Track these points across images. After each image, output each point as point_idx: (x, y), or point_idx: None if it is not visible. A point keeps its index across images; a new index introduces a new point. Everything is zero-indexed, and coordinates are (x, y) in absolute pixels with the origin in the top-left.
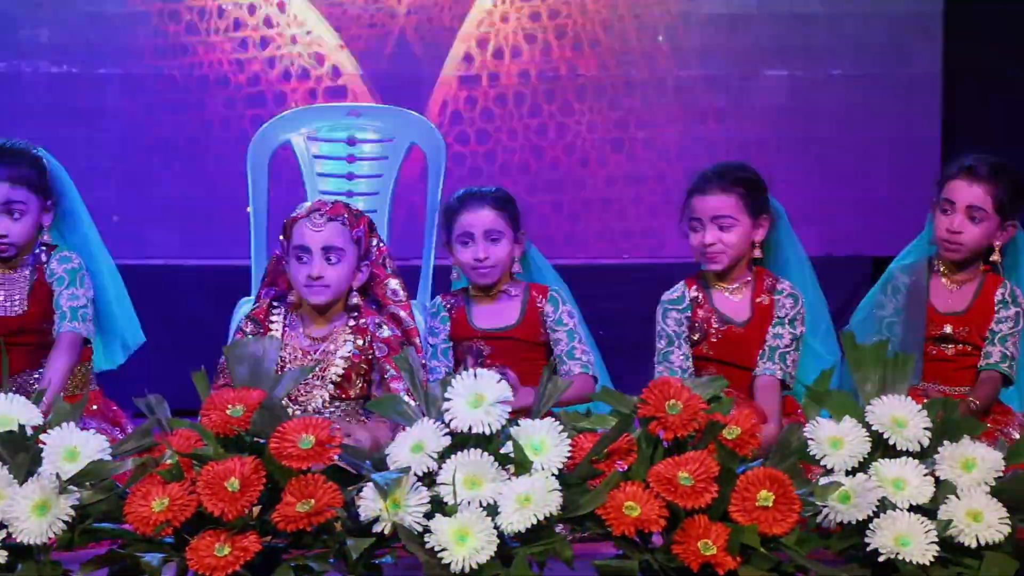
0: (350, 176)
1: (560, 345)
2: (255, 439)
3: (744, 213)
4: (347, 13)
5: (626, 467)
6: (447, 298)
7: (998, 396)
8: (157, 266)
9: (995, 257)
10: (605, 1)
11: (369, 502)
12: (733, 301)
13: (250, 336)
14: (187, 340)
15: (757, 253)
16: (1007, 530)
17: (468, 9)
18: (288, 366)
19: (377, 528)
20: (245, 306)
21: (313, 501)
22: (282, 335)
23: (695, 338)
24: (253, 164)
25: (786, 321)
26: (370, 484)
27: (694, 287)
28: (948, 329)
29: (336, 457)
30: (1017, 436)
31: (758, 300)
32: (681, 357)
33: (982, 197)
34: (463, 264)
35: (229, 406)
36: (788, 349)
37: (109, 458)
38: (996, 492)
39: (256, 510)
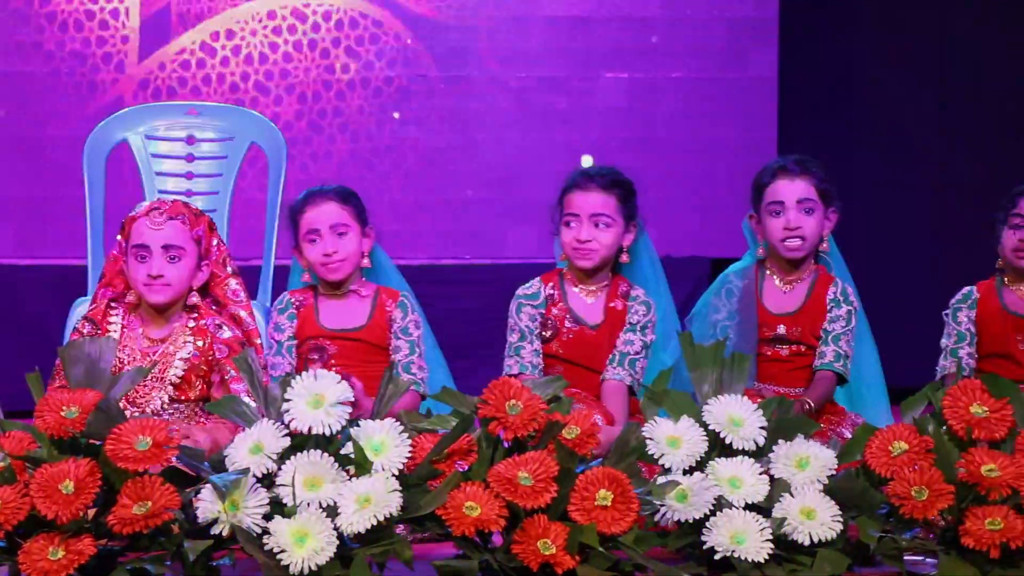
0: (189, 175)
1: (400, 354)
2: (90, 441)
3: (620, 215)
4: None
5: (466, 467)
6: (296, 295)
7: (832, 395)
8: None
9: (824, 247)
10: (448, 1)
11: (207, 504)
12: (587, 303)
13: (87, 337)
14: (21, 341)
15: (624, 258)
16: (839, 527)
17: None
18: (126, 367)
19: (215, 530)
20: (81, 306)
21: (150, 503)
22: (120, 336)
23: (547, 335)
24: (89, 162)
25: (638, 328)
26: (208, 486)
27: (550, 284)
28: (781, 330)
29: (174, 459)
30: (849, 435)
31: (611, 304)
32: (531, 352)
33: (807, 189)
34: (312, 263)
35: (64, 407)
36: (638, 356)
37: None
38: (829, 490)
39: (91, 513)
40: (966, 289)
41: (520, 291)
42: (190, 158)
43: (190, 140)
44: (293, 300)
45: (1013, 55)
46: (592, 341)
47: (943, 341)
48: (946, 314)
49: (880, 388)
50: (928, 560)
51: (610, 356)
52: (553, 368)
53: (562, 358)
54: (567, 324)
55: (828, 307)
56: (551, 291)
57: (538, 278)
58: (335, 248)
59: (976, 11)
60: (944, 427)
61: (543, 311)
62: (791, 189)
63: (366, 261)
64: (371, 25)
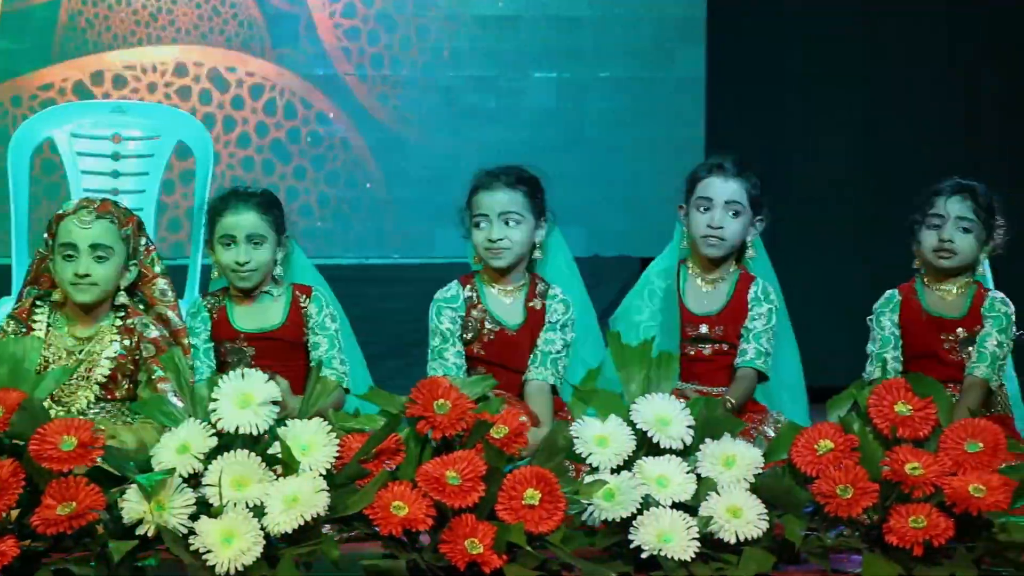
0: (115, 174)
1: (319, 350)
2: (14, 441)
3: (529, 211)
4: None
5: (394, 467)
6: (208, 298)
7: (754, 393)
8: None
9: (750, 253)
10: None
11: (132, 504)
12: (506, 303)
13: (11, 336)
14: None
15: (538, 255)
16: (765, 526)
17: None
18: (52, 366)
19: (140, 530)
20: (6, 305)
21: (74, 504)
22: (45, 334)
23: (468, 337)
24: (13, 161)
25: (558, 327)
26: (134, 486)
27: (468, 286)
28: (704, 329)
29: (99, 459)
30: (773, 433)
31: (530, 304)
32: (454, 355)
33: (738, 191)
34: (223, 266)
35: None
36: (559, 355)
37: None
38: (755, 489)
39: (14, 514)
40: (888, 292)
41: (438, 295)
42: (116, 156)
43: (116, 138)
44: (205, 303)
45: (938, 53)
46: (513, 341)
47: (869, 346)
48: (870, 319)
49: (800, 390)
50: (853, 558)
51: (531, 356)
52: (475, 370)
53: (483, 359)
54: (487, 325)
55: (749, 306)
56: (469, 293)
57: (455, 281)
58: (248, 258)
59: (902, 10)
60: (869, 426)
61: (463, 314)
62: (722, 188)
63: (278, 270)
64: (302, 24)
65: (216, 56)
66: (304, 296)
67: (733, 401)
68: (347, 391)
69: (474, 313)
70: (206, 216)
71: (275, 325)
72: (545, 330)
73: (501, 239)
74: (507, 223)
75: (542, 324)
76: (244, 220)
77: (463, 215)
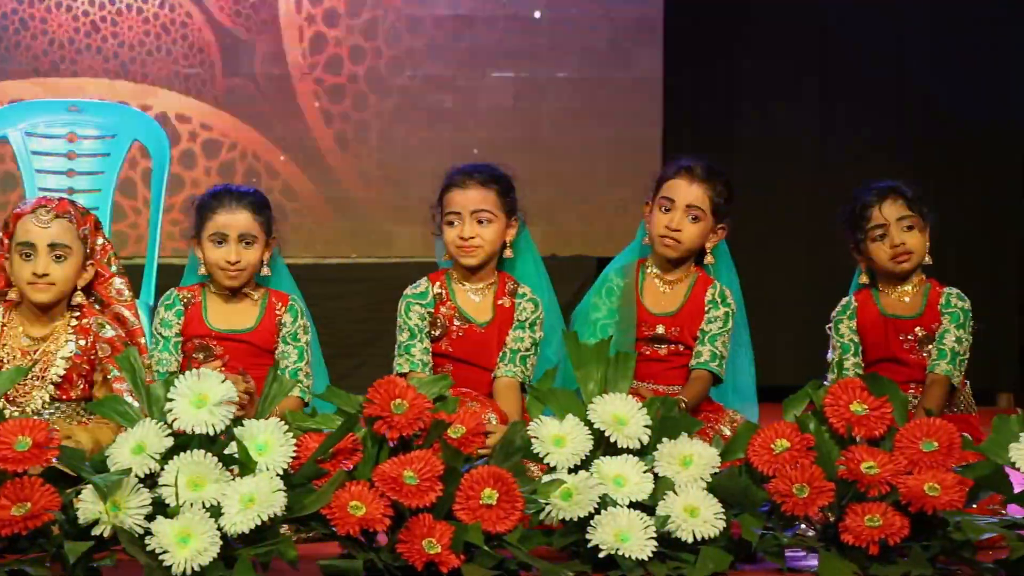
0: (71, 173)
1: (288, 360)
2: None
3: (501, 210)
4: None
5: (352, 467)
6: (184, 292)
7: (708, 394)
8: None
9: (708, 259)
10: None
11: (88, 505)
12: (475, 301)
13: None
14: None
15: (508, 253)
16: (722, 525)
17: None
18: (7, 366)
19: (96, 531)
20: None
21: (29, 504)
22: (0, 334)
23: (436, 334)
24: None
25: (526, 325)
26: (90, 486)
27: (438, 284)
28: (660, 329)
29: (54, 459)
30: (729, 433)
31: (499, 302)
32: (421, 351)
33: (701, 197)
34: (212, 263)
35: None
36: (528, 352)
37: None
38: (712, 488)
39: None
40: (844, 300)
41: (408, 290)
42: (71, 155)
43: (71, 137)
44: (181, 297)
45: (895, 57)
46: (481, 339)
47: (829, 355)
48: (828, 328)
49: (751, 394)
50: (809, 556)
51: (500, 354)
52: (443, 367)
53: (452, 356)
54: (456, 323)
55: (706, 308)
56: (439, 290)
57: (425, 278)
58: (239, 258)
59: (859, 12)
60: (825, 425)
61: (432, 310)
62: (686, 192)
63: (265, 270)
64: (259, 23)
65: None
66: (280, 304)
67: (687, 402)
68: (306, 404)
69: (443, 310)
70: (195, 212)
71: (248, 328)
72: (514, 328)
73: (472, 237)
74: (479, 221)
75: (511, 322)
76: (238, 219)
77: (433, 212)
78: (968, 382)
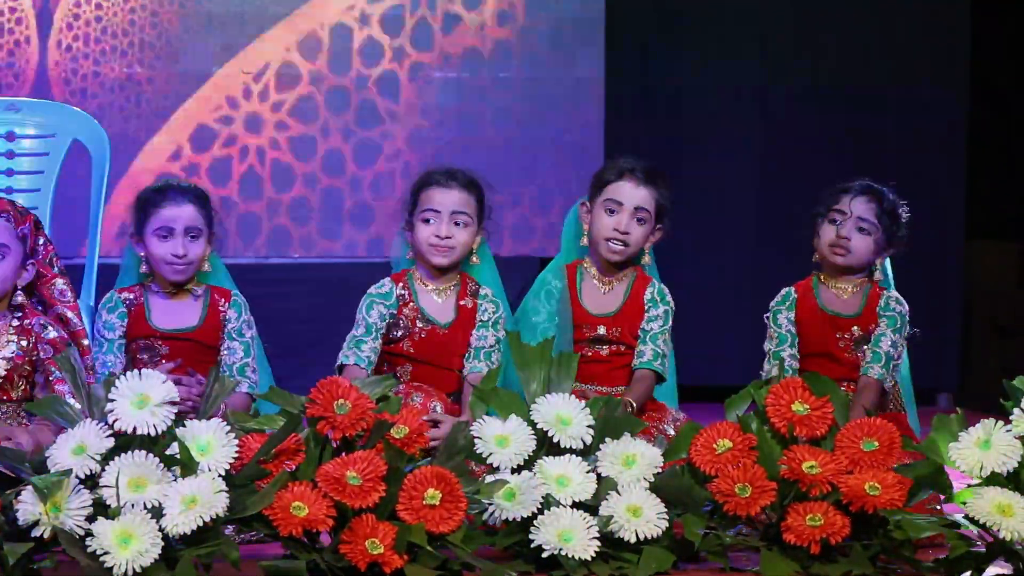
0: (9, 172)
1: (234, 356)
2: None
3: (476, 216)
4: None
5: (294, 467)
6: (124, 293)
7: (652, 393)
8: None
9: (646, 259)
10: None
11: (28, 506)
12: (438, 302)
13: None
14: None
15: (475, 259)
16: (665, 524)
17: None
18: None
19: (36, 532)
20: None
21: None
22: None
23: (397, 335)
24: None
25: (489, 324)
26: (29, 487)
27: (400, 284)
28: (601, 330)
29: None
30: (673, 432)
31: (462, 303)
32: (371, 349)
33: (647, 199)
34: (157, 258)
35: None
36: (492, 348)
37: None
38: (655, 488)
39: None
40: (784, 290)
41: (372, 289)
42: (10, 155)
43: (10, 136)
44: (123, 298)
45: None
46: (443, 340)
47: (766, 344)
48: (766, 317)
49: (671, 393)
50: (751, 556)
51: (467, 354)
52: (403, 366)
53: (413, 357)
54: (418, 324)
55: (646, 307)
56: (402, 291)
57: (388, 278)
58: (185, 251)
59: (799, 10)
60: (767, 425)
61: (394, 311)
62: (633, 194)
63: (207, 265)
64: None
65: None
66: (223, 300)
67: (634, 404)
68: (254, 399)
69: (406, 311)
70: (137, 207)
71: (192, 327)
72: (477, 328)
73: (449, 237)
74: (456, 223)
75: (473, 322)
76: (183, 212)
77: (404, 208)
78: (897, 381)
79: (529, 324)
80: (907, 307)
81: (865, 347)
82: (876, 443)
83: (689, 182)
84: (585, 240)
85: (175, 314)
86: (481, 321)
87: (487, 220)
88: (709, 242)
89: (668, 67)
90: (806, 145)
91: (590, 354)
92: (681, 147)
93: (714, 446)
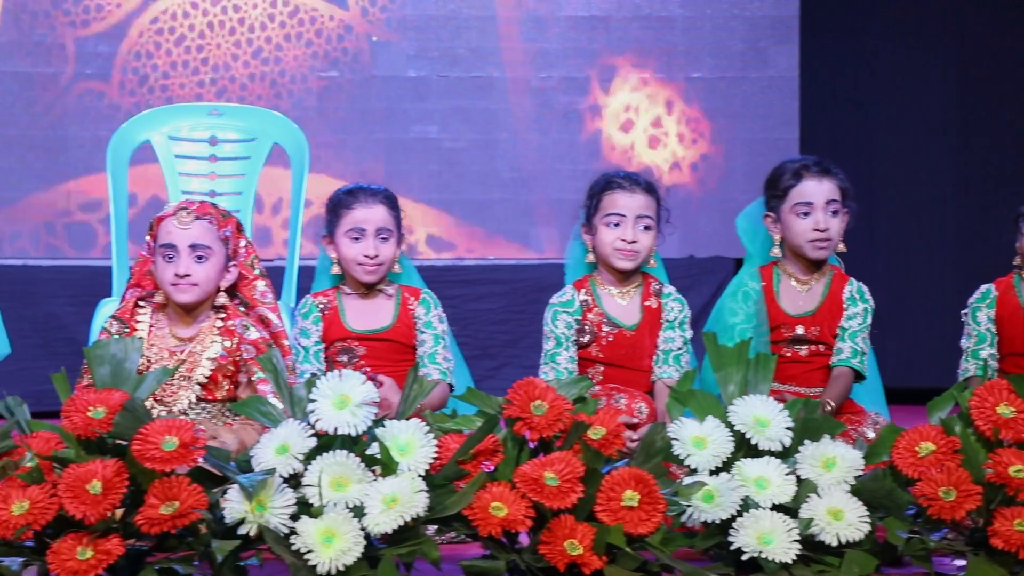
0: (212, 176)
1: (424, 347)
2: (117, 441)
3: (657, 220)
4: None
5: (492, 468)
6: (318, 297)
7: (850, 392)
8: (15, 267)
9: (842, 247)
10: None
11: (234, 504)
12: (622, 305)
13: (114, 336)
14: (46, 341)
15: (652, 263)
16: (867, 528)
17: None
18: (153, 366)
19: (243, 530)
20: (107, 307)
21: (177, 503)
22: (148, 335)
23: (584, 341)
24: (113, 164)
25: (675, 324)
26: (235, 486)
27: (583, 290)
28: (800, 330)
29: (201, 459)
30: (872, 435)
31: (647, 303)
32: (567, 359)
33: (834, 190)
34: (349, 259)
35: (90, 408)
36: (680, 351)
37: None
38: (856, 491)
39: (119, 513)
40: (984, 287)
41: (554, 299)
42: (213, 159)
43: (213, 141)
44: (317, 303)
45: None
46: (631, 341)
47: (963, 342)
48: (964, 314)
49: (878, 391)
50: (956, 561)
51: (655, 356)
52: (594, 369)
53: (604, 361)
54: (604, 328)
55: (844, 305)
56: (585, 297)
57: (570, 286)
58: (377, 252)
59: (995, 4)
60: (971, 428)
61: (579, 317)
62: (819, 190)
63: (397, 267)
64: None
65: None
66: (413, 298)
67: (832, 404)
68: (451, 387)
69: (591, 316)
70: (329, 210)
71: (386, 326)
72: (664, 329)
73: (635, 241)
74: (641, 227)
75: (659, 322)
76: (375, 213)
77: (584, 211)
78: None
79: (725, 325)
80: None
81: None
82: None
83: (885, 178)
84: (776, 250)
85: (369, 314)
86: (667, 321)
87: (664, 223)
88: (901, 239)
89: (863, 62)
90: (1007, 137)
91: (788, 354)
92: (878, 143)
93: (917, 449)
